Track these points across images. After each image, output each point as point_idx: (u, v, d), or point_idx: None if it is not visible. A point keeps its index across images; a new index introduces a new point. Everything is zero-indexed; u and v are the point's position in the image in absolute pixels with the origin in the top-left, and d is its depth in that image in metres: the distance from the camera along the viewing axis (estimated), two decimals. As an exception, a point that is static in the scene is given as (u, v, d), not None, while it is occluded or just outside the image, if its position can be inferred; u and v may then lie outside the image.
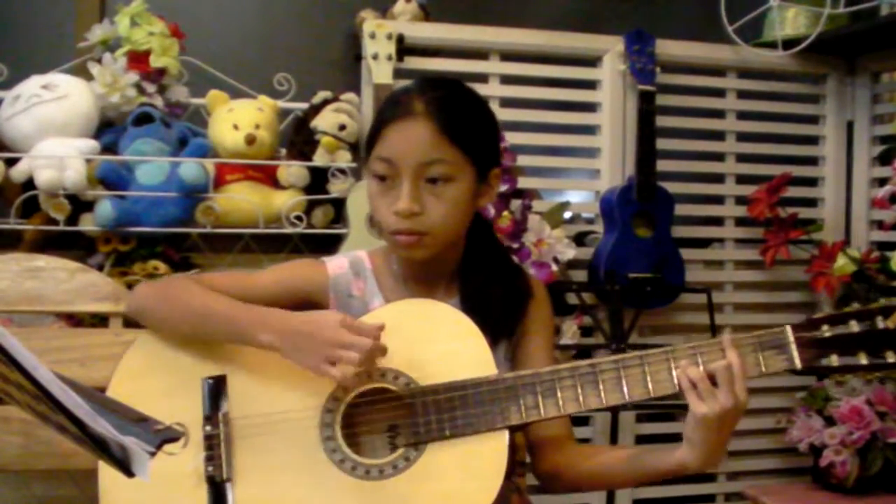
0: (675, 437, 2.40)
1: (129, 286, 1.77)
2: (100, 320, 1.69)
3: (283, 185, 2.09)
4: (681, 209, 2.33)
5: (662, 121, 2.27)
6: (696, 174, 2.47)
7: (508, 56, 2.30)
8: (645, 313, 2.24)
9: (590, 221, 2.43)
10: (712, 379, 1.09)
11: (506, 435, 1.13)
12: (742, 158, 2.49)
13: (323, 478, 1.13)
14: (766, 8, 2.32)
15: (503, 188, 2.06)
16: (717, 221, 2.50)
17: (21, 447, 1.48)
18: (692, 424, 1.10)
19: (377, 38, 2.07)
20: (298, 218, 2.05)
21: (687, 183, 2.42)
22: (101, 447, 0.71)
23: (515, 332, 1.29)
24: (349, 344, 1.09)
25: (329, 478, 1.13)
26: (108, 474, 1.16)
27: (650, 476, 1.18)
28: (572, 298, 2.23)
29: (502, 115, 2.07)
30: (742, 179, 2.48)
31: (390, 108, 1.20)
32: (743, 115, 2.48)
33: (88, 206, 1.94)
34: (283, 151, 2.15)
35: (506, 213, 2.09)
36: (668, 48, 2.33)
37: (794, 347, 1.12)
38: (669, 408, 2.23)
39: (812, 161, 2.55)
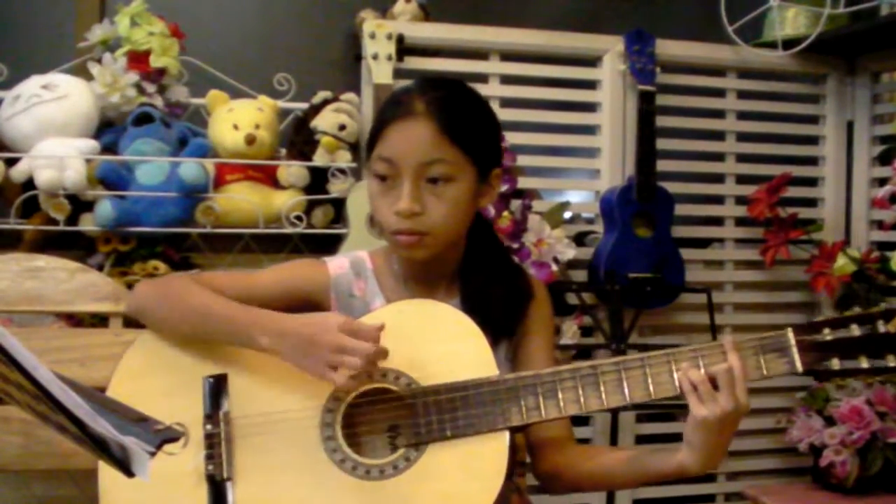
0: (675, 437, 2.40)
1: (129, 286, 1.77)
2: (100, 320, 1.69)
3: (283, 185, 2.09)
4: (681, 209, 2.33)
5: (662, 121, 2.27)
6: (696, 174, 2.47)
7: (508, 56, 2.30)
8: (645, 313, 2.24)
9: (590, 221, 2.43)
10: (713, 381, 1.09)
11: (507, 436, 1.13)
12: (742, 158, 2.49)
13: (323, 477, 1.13)
14: (766, 8, 2.32)
15: (503, 188, 2.06)
16: (717, 221, 2.50)
17: (21, 447, 1.48)
18: (692, 427, 1.10)
19: (377, 38, 2.07)
20: (298, 218, 2.05)
21: (687, 183, 2.42)
22: (101, 447, 0.71)
23: (516, 333, 1.29)
24: (350, 349, 1.09)
25: (329, 477, 1.13)
26: (108, 474, 1.16)
27: (650, 478, 1.18)
28: (572, 298, 2.23)
29: (502, 115, 2.07)
30: (742, 179, 2.48)
31: (391, 108, 1.20)
32: (743, 115, 2.48)
33: (88, 206, 1.94)
34: (283, 151, 2.15)
35: (506, 213, 2.09)
36: (668, 48, 2.33)
37: (795, 351, 1.12)
38: (669, 408, 2.23)
39: (812, 161, 2.55)
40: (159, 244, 1.99)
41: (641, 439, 2.39)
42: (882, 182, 2.32)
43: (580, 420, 2.30)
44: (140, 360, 1.23)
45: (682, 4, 2.61)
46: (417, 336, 1.18)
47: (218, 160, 2.04)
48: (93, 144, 1.92)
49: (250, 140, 2.00)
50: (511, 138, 2.17)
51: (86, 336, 1.57)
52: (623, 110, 2.33)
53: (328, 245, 2.08)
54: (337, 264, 1.31)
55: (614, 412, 2.10)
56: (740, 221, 2.48)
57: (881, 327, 1.11)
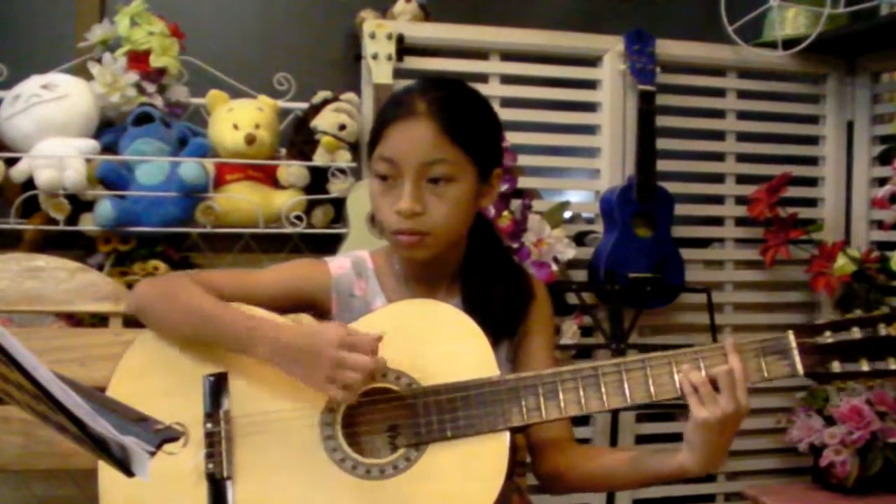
0: (675, 437, 2.40)
1: (129, 286, 1.77)
2: (100, 320, 1.69)
3: (283, 184, 2.09)
4: (681, 209, 2.33)
5: (662, 121, 2.27)
6: (696, 174, 2.47)
7: (508, 56, 2.30)
8: (645, 313, 2.24)
9: (590, 221, 2.43)
10: (714, 383, 1.09)
11: (507, 436, 1.13)
12: (742, 158, 2.49)
13: (323, 477, 1.13)
14: (766, 8, 2.32)
15: (503, 188, 2.06)
16: (717, 221, 2.50)
17: (21, 447, 1.48)
18: (693, 428, 1.10)
19: (377, 37, 2.07)
20: (298, 218, 2.05)
21: (687, 183, 2.42)
22: (101, 447, 0.71)
23: (517, 333, 1.29)
24: (350, 364, 1.09)
25: (329, 477, 1.13)
26: (108, 473, 1.16)
27: (651, 479, 1.18)
28: (572, 298, 2.23)
29: (502, 115, 2.06)
30: (742, 179, 2.48)
31: (392, 108, 1.20)
32: (743, 115, 2.48)
33: (88, 205, 1.94)
34: (283, 151, 2.15)
35: (506, 213, 2.09)
36: (668, 48, 2.33)
37: (796, 353, 1.12)
38: (669, 408, 2.23)
39: (812, 161, 2.55)
40: (159, 244, 1.99)
41: (641, 439, 2.39)
42: (882, 182, 2.32)
43: (580, 420, 2.30)
44: (140, 360, 1.23)
45: (682, 4, 2.61)
46: (418, 336, 1.18)
47: (218, 160, 2.04)
48: (93, 144, 1.92)
49: (250, 140, 2.00)
50: (511, 138, 2.17)
51: (86, 336, 1.57)
52: (623, 110, 2.33)
53: (328, 245, 2.08)
54: (338, 264, 1.31)
55: (614, 412, 2.10)
56: (740, 221, 2.48)
57: (882, 330, 1.11)
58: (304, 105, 2.14)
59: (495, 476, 1.10)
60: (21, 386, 0.68)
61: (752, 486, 2.34)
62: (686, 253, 2.30)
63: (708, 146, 2.49)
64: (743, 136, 2.49)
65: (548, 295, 1.35)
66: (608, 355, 2.12)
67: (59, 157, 1.85)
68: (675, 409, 2.30)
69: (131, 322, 1.53)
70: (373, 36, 2.07)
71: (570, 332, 2.18)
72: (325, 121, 2.05)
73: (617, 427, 2.13)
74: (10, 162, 1.89)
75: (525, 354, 1.29)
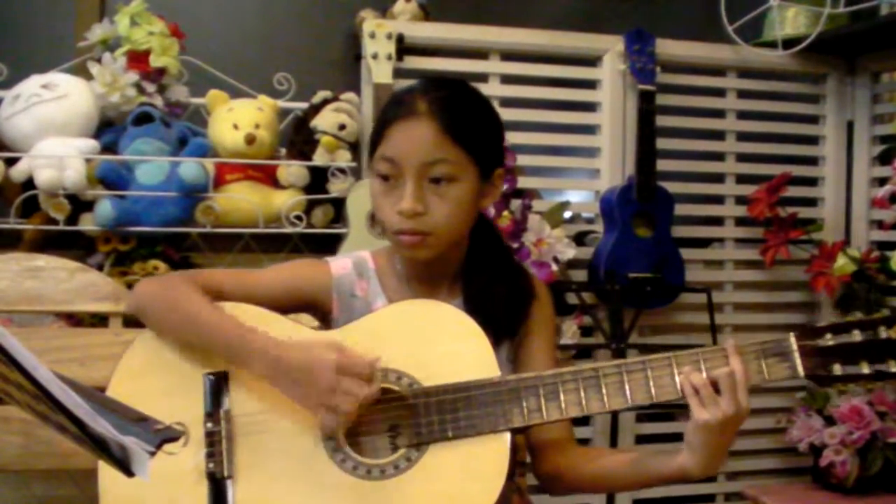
0: (675, 437, 2.41)
1: (129, 286, 1.77)
2: (100, 320, 1.69)
3: (283, 184, 2.09)
4: (681, 209, 2.33)
5: (662, 120, 2.27)
6: (696, 174, 2.47)
7: (508, 56, 2.30)
8: (645, 313, 2.24)
9: (590, 221, 2.43)
10: (715, 385, 1.09)
11: (508, 437, 1.13)
12: (742, 158, 2.49)
13: (324, 477, 1.13)
14: (766, 8, 2.32)
15: (503, 188, 2.06)
16: (717, 221, 2.51)
17: (21, 447, 1.48)
18: (693, 430, 1.10)
19: (377, 37, 2.07)
20: (298, 218, 2.05)
21: (687, 183, 2.42)
22: (101, 447, 0.71)
23: (518, 333, 1.29)
24: (345, 389, 1.09)
25: (330, 477, 1.13)
26: (108, 473, 1.16)
27: (652, 481, 1.18)
28: (572, 298, 2.23)
29: (502, 115, 2.06)
30: (742, 179, 2.48)
31: (394, 108, 1.20)
32: (743, 115, 2.48)
33: (88, 205, 1.94)
34: (283, 151, 2.15)
35: (506, 212, 2.09)
36: (668, 48, 2.33)
37: (797, 356, 1.12)
38: (669, 408, 2.23)
39: (812, 161, 2.55)
40: (159, 244, 1.99)
41: (641, 439, 2.39)
42: (882, 182, 2.32)
43: (580, 420, 2.30)
44: (140, 360, 1.23)
45: (682, 4, 2.61)
46: (419, 336, 1.18)
47: (218, 160, 2.04)
48: (93, 144, 1.92)
49: (250, 140, 2.00)
50: (511, 138, 2.16)
51: (86, 336, 1.57)
52: (623, 110, 2.33)
53: (328, 245, 2.08)
54: (339, 264, 1.30)
55: (614, 412, 2.10)
56: (740, 221, 2.48)
57: (883, 333, 1.11)
58: (304, 105, 2.14)
59: (496, 477, 1.10)
60: (21, 386, 0.68)
61: (752, 486, 2.34)
62: (686, 253, 2.30)
63: (708, 146, 2.49)
64: (743, 136, 2.49)
65: (549, 295, 1.35)
66: (608, 355, 2.12)
67: (59, 157, 1.85)
68: (674, 409, 2.30)
69: (131, 322, 1.53)
70: (373, 36, 2.07)
71: (570, 332, 2.18)
72: (324, 121, 2.05)
73: (617, 427, 2.13)
74: (10, 162, 1.89)
75: (526, 355, 1.29)
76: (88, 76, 1.98)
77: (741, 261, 2.50)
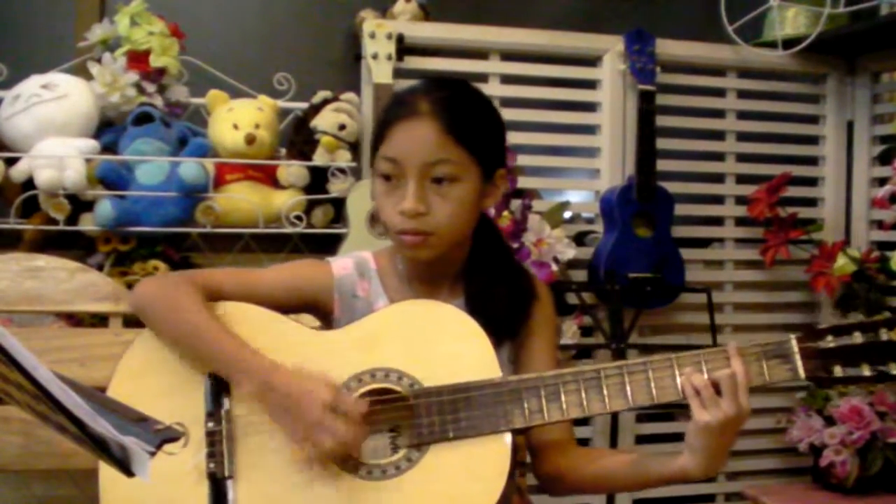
0: (675, 437, 2.41)
1: (129, 286, 1.77)
2: (100, 320, 1.69)
3: (283, 184, 2.08)
4: (681, 209, 2.33)
5: (662, 121, 2.27)
6: (696, 174, 2.47)
7: (508, 56, 2.30)
8: (645, 313, 2.24)
9: (590, 221, 2.43)
10: (716, 387, 1.09)
11: (509, 437, 1.13)
12: (742, 158, 2.49)
13: (325, 477, 1.12)
14: (766, 8, 2.32)
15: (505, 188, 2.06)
16: (717, 221, 2.51)
17: (21, 447, 1.48)
18: (694, 431, 1.10)
19: (377, 37, 2.07)
20: (298, 218, 2.05)
21: (687, 183, 2.42)
22: (101, 447, 0.71)
23: (519, 334, 1.29)
24: (331, 429, 1.08)
25: (331, 477, 1.12)
26: (108, 473, 1.15)
27: (653, 482, 1.18)
28: (572, 298, 2.23)
29: (502, 114, 2.08)
30: (742, 179, 2.48)
31: (396, 108, 1.20)
32: (743, 115, 2.48)
33: (88, 205, 1.94)
34: (283, 151, 2.15)
35: (506, 213, 2.09)
36: (668, 48, 2.33)
37: (798, 358, 1.12)
38: (669, 408, 2.22)
39: (812, 161, 2.55)
40: (159, 244, 1.99)
41: (641, 439, 2.39)
42: (882, 182, 2.32)
43: (580, 420, 2.29)
44: (140, 360, 1.23)
45: (682, 4, 2.61)
46: (420, 337, 1.18)
47: (218, 160, 2.04)
48: (93, 144, 1.92)
49: (250, 140, 2.00)
50: (511, 138, 2.13)
51: (86, 336, 1.57)
52: (623, 110, 2.33)
53: (328, 245, 2.08)
54: (341, 265, 1.30)
55: (615, 413, 2.10)
56: (740, 221, 2.48)
57: (883, 335, 1.11)
58: (304, 105, 2.14)
59: (497, 477, 1.10)
60: (21, 386, 0.68)
61: (752, 486, 2.34)
62: (686, 253, 2.30)
63: (708, 146, 2.49)
64: (743, 136, 2.49)
65: (551, 296, 1.35)
66: (608, 355, 2.12)
67: (59, 157, 1.85)
68: (675, 410, 2.30)
69: (131, 322, 1.53)
70: (373, 36, 2.07)
71: (570, 332, 2.18)
72: (324, 121, 2.05)
73: (617, 427, 2.13)
74: (10, 162, 1.89)
75: (527, 356, 1.29)
76: (88, 76, 1.98)
77: (741, 261, 2.50)
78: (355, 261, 1.31)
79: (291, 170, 2.06)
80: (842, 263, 2.23)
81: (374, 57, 2.06)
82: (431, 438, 1.13)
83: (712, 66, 2.44)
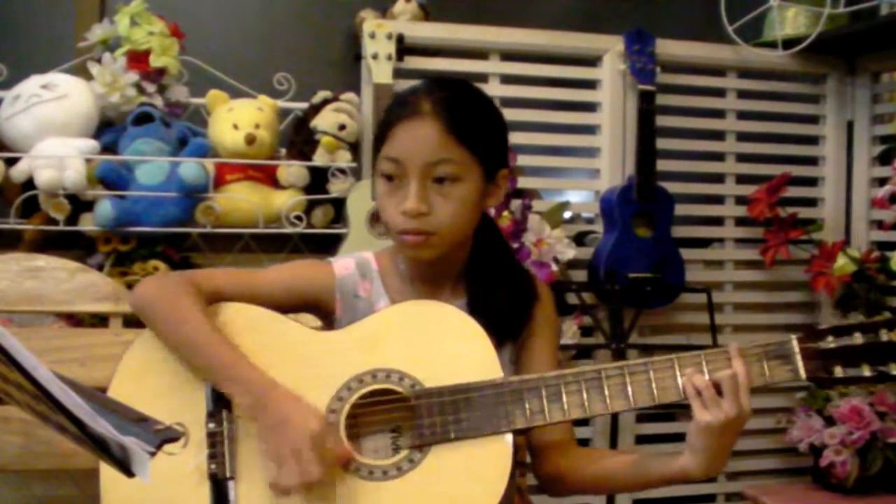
0: (675, 438, 2.40)
1: (129, 286, 1.77)
2: (100, 320, 1.69)
3: (283, 184, 2.08)
4: (681, 209, 2.33)
5: (662, 121, 2.27)
6: (696, 174, 2.47)
7: (508, 56, 2.30)
8: (645, 313, 2.24)
9: (590, 221, 2.43)
10: (717, 387, 1.09)
11: (510, 438, 1.13)
12: (742, 158, 2.49)
13: (326, 478, 1.12)
14: (766, 8, 2.32)
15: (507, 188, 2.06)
16: (717, 221, 2.50)
17: (21, 447, 1.48)
18: (695, 432, 1.10)
19: (377, 37, 2.07)
20: (298, 218, 2.05)
21: (687, 183, 2.42)
22: (101, 447, 0.71)
23: (521, 335, 1.29)
24: (304, 462, 1.07)
25: (332, 478, 1.12)
26: (108, 473, 1.16)
27: (654, 482, 1.18)
28: (572, 298, 2.23)
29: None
30: (742, 179, 2.48)
31: (398, 108, 1.20)
32: (743, 115, 2.48)
33: (88, 206, 1.94)
34: (283, 151, 2.15)
35: (506, 213, 2.09)
36: (669, 48, 2.33)
37: (799, 358, 1.13)
38: (670, 408, 2.22)
39: (812, 161, 2.55)
40: (159, 244, 1.99)
41: (641, 439, 2.39)
42: (882, 182, 2.32)
43: (580, 420, 2.29)
44: (140, 360, 1.23)
45: (682, 4, 2.61)
46: (422, 337, 1.18)
47: (218, 160, 2.04)
48: (93, 144, 1.92)
49: (250, 140, 2.00)
50: (511, 138, 2.12)
51: (86, 336, 1.57)
52: (623, 110, 2.33)
53: (328, 245, 2.08)
54: (343, 265, 1.30)
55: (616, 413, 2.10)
56: (740, 221, 2.48)
57: (884, 335, 1.12)
58: (304, 105, 2.14)
59: (499, 479, 1.10)
60: (21, 386, 0.68)
61: (752, 486, 2.34)
62: (686, 253, 2.30)
63: (708, 146, 2.48)
64: (743, 136, 2.49)
65: (552, 297, 1.35)
66: (608, 355, 2.12)
67: (59, 157, 1.85)
68: (675, 410, 2.30)
69: (131, 322, 1.53)
70: (373, 36, 2.07)
71: (571, 332, 2.18)
72: (325, 121, 2.05)
73: (617, 427, 2.13)
74: (10, 162, 1.89)
75: (528, 357, 1.29)
76: (88, 76, 1.98)
77: (741, 261, 2.50)
78: (357, 261, 1.31)
79: (291, 170, 2.06)
80: (842, 263, 2.23)
81: (374, 57, 2.06)
82: (433, 439, 1.13)
83: (712, 66, 2.43)
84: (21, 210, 1.92)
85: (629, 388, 1.13)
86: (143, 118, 1.98)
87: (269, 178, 2.09)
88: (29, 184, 1.88)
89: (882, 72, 2.48)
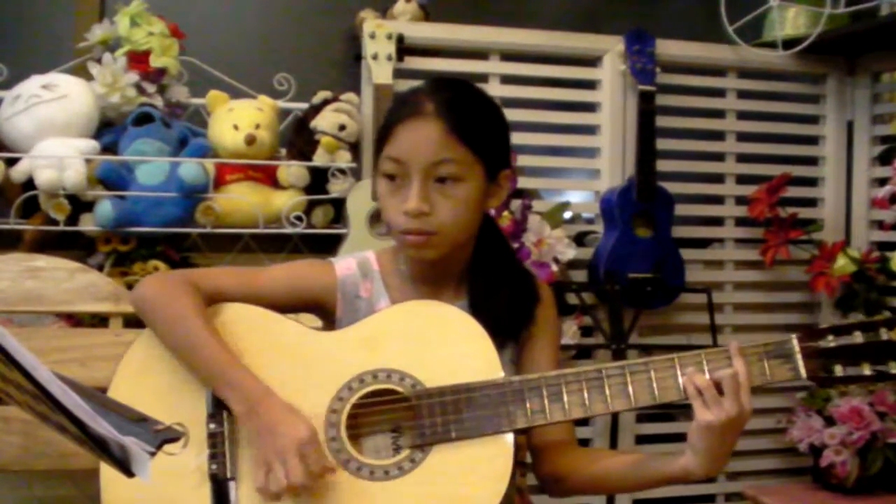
0: (676, 438, 2.40)
1: (129, 286, 1.77)
2: (100, 320, 1.69)
3: (283, 185, 2.08)
4: (681, 209, 2.33)
5: (662, 121, 2.27)
6: (696, 174, 2.47)
7: (508, 56, 2.30)
8: (645, 313, 2.24)
9: (590, 221, 2.43)
10: (718, 387, 1.09)
11: (511, 438, 1.13)
12: (742, 158, 2.49)
13: (327, 478, 1.12)
14: (766, 8, 2.32)
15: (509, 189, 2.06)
16: (717, 221, 2.50)
17: (21, 447, 1.48)
18: (696, 431, 1.10)
19: (377, 38, 2.07)
20: (298, 218, 2.05)
21: (687, 183, 2.42)
22: (101, 447, 0.71)
23: (522, 336, 1.29)
24: (288, 469, 1.08)
25: (333, 478, 1.12)
26: (108, 473, 1.16)
27: (654, 482, 1.18)
28: (572, 298, 2.23)
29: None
30: (742, 179, 2.48)
31: (400, 108, 1.20)
32: (743, 115, 2.48)
33: (88, 206, 1.94)
34: (283, 151, 2.15)
35: (506, 213, 2.09)
36: (668, 48, 2.33)
37: (799, 358, 1.13)
38: (670, 408, 2.22)
39: (812, 161, 2.55)
40: (159, 244, 1.99)
41: (641, 439, 2.38)
42: (882, 182, 2.32)
43: (580, 420, 2.29)
44: (141, 360, 1.23)
45: (682, 4, 2.62)
46: (423, 337, 1.18)
47: (218, 160, 2.04)
48: (93, 144, 1.92)
49: (250, 140, 2.00)
50: (511, 138, 2.16)
51: (86, 336, 1.57)
52: (623, 110, 2.33)
53: (328, 245, 2.08)
54: (344, 265, 1.30)
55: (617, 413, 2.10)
56: (740, 221, 2.48)
57: (884, 334, 1.12)
58: (304, 105, 2.14)
59: (500, 479, 1.10)
60: (21, 386, 0.68)
61: (752, 486, 2.34)
62: (686, 253, 2.30)
63: (708, 146, 2.48)
64: (743, 136, 2.48)
65: (553, 298, 1.35)
66: (608, 355, 2.12)
67: (59, 158, 1.85)
68: (675, 410, 2.30)
69: (131, 322, 1.53)
70: (373, 36, 2.07)
71: (571, 332, 2.18)
72: (325, 121, 2.05)
73: (617, 427, 2.13)
74: (10, 162, 1.89)
75: (529, 357, 1.29)
76: (88, 76, 1.98)
77: (741, 261, 2.49)
78: (358, 261, 1.31)
79: (291, 170, 2.06)
80: (842, 263, 2.23)
81: (375, 57, 2.06)
82: (434, 439, 1.13)
83: (712, 66, 2.43)
84: (21, 210, 1.92)
85: (630, 388, 1.13)
86: (144, 118, 1.98)
87: (269, 178, 2.09)
88: (29, 184, 1.89)
89: (882, 72, 2.48)
